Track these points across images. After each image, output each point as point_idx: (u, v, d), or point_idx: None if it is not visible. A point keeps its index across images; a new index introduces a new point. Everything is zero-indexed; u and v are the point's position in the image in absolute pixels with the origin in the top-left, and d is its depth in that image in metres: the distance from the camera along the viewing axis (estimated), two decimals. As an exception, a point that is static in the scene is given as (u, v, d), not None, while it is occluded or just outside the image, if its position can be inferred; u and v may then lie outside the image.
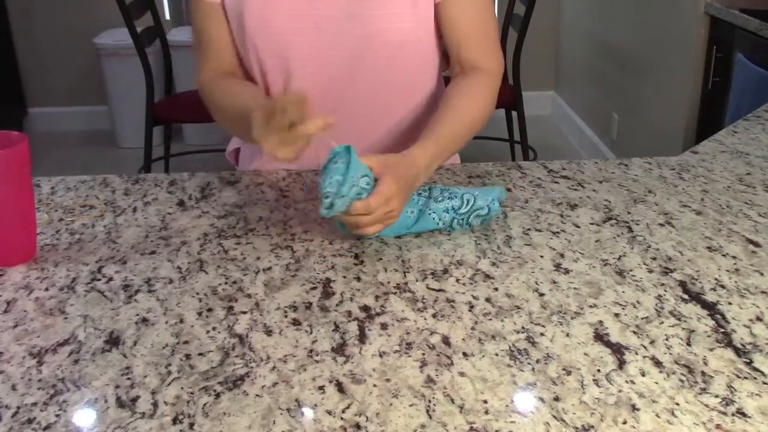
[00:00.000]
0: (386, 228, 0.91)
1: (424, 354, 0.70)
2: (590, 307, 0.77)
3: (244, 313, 0.77)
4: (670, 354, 0.69)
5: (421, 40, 1.14)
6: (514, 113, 3.23)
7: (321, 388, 0.65)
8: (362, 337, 0.73)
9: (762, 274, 0.83)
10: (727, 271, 0.84)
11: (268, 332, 0.74)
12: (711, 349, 0.70)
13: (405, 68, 1.15)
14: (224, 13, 1.13)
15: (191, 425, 0.61)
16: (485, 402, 0.63)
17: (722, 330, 0.73)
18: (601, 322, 0.75)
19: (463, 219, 0.93)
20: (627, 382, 0.66)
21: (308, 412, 0.62)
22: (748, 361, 0.68)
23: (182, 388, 0.66)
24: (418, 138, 1.02)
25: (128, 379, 0.67)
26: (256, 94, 1.09)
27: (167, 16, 4.09)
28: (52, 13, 4.06)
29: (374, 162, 0.89)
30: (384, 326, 0.74)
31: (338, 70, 1.12)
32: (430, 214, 0.92)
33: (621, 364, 0.68)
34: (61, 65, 4.16)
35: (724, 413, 0.62)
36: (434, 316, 0.76)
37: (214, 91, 1.14)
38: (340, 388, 0.65)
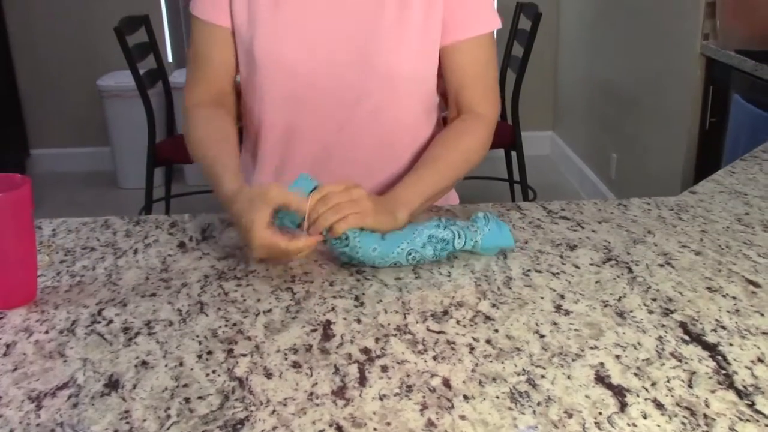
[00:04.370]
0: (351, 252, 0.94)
1: (424, 397, 0.69)
2: (591, 348, 0.77)
3: (244, 355, 0.77)
4: (672, 396, 0.69)
5: (426, 79, 1.17)
6: (513, 153, 3.25)
7: (321, 431, 0.65)
8: (362, 380, 0.72)
9: (762, 315, 0.83)
10: (728, 312, 0.84)
11: (268, 375, 0.73)
12: (713, 391, 0.70)
13: (408, 105, 1.17)
14: (231, 38, 1.15)
15: (190, 470, 0.61)
16: (486, 446, 0.63)
17: (723, 372, 0.73)
18: (602, 363, 0.74)
19: (442, 248, 0.95)
20: (629, 425, 0.65)
21: (308, 457, 0.62)
22: (750, 403, 0.68)
23: (181, 432, 0.65)
24: None
25: (127, 423, 0.67)
26: (233, 152, 1.09)
27: (170, 59, 4.15)
28: (56, 56, 4.11)
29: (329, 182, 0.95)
30: (384, 369, 0.74)
31: (344, 101, 1.14)
32: (399, 247, 0.94)
33: (622, 406, 0.68)
34: (64, 107, 4.20)
35: (727, 457, 0.61)
36: (435, 358, 0.76)
37: (192, 118, 1.15)
38: (341, 431, 0.65)
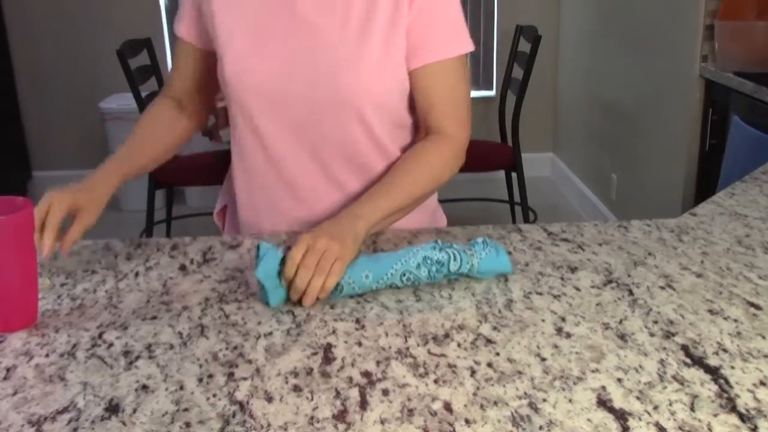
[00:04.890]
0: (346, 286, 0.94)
1: (425, 421, 0.69)
2: (592, 371, 0.77)
3: (245, 379, 0.77)
4: (674, 420, 0.69)
5: (390, 99, 1.18)
6: (513, 174, 3.26)
7: (322, 456, 0.65)
8: (363, 404, 0.72)
9: (764, 338, 0.83)
10: (729, 334, 0.84)
11: (269, 399, 0.73)
12: (715, 415, 0.69)
13: (374, 125, 1.18)
14: (194, 53, 1.26)
15: (190, 495, 0.60)
16: (488, 470, 0.63)
17: (726, 395, 0.73)
18: (603, 387, 0.74)
19: (438, 271, 0.95)
20: (631, 449, 0.65)
21: (309, 482, 0.62)
22: (753, 426, 0.68)
23: (181, 456, 0.65)
24: None
25: (127, 447, 0.66)
26: (139, 148, 1.22)
27: (171, 81, 4.16)
28: (59, 78, 4.14)
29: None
30: (385, 392, 0.74)
31: (310, 121, 1.16)
32: (392, 269, 0.94)
33: (624, 430, 0.67)
34: (66, 129, 4.22)
35: (731, 481, 0.61)
36: (436, 381, 0.76)
37: (150, 108, 1.29)
38: (341, 456, 0.65)
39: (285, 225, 1.22)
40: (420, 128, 1.22)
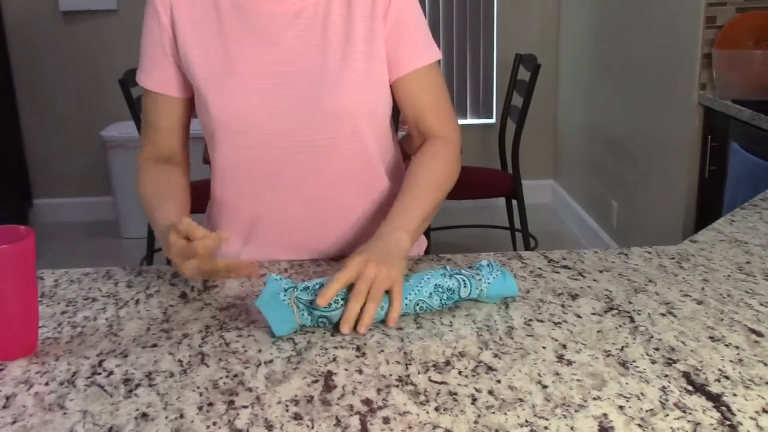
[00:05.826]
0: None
1: (426, 449, 0.69)
2: (594, 399, 0.77)
3: (245, 407, 0.76)
4: (677, 448, 0.68)
5: (378, 115, 1.21)
6: (514, 202, 3.27)
7: (322, 485, 0.64)
8: (364, 432, 0.72)
9: (766, 365, 0.83)
10: (731, 361, 0.84)
11: (269, 427, 0.73)
12: (718, 443, 0.69)
13: (367, 140, 1.19)
14: (177, 103, 1.22)
15: None
16: (490, 499, 0.62)
17: (728, 422, 0.72)
18: (605, 414, 0.74)
19: (448, 298, 0.96)
20: (633, 477, 0.65)
21: None
22: (756, 454, 0.67)
23: (181, 486, 0.65)
24: (388, 207, 1.13)
25: (126, 476, 0.66)
26: (176, 209, 1.13)
27: (173, 110, 4.19)
28: (61, 106, 4.16)
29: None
30: (386, 420, 0.73)
31: (307, 147, 1.16)
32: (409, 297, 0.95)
33: (627, 458, 0.67)
34: (68, 157, 4.24)
35: None
36: (437, 409, 0.75)
37: (142, 172, 1.23)
38: (342, 485, 0.64)
39: (281, 255, 1.22)
40: (414, 136, 1.26)
